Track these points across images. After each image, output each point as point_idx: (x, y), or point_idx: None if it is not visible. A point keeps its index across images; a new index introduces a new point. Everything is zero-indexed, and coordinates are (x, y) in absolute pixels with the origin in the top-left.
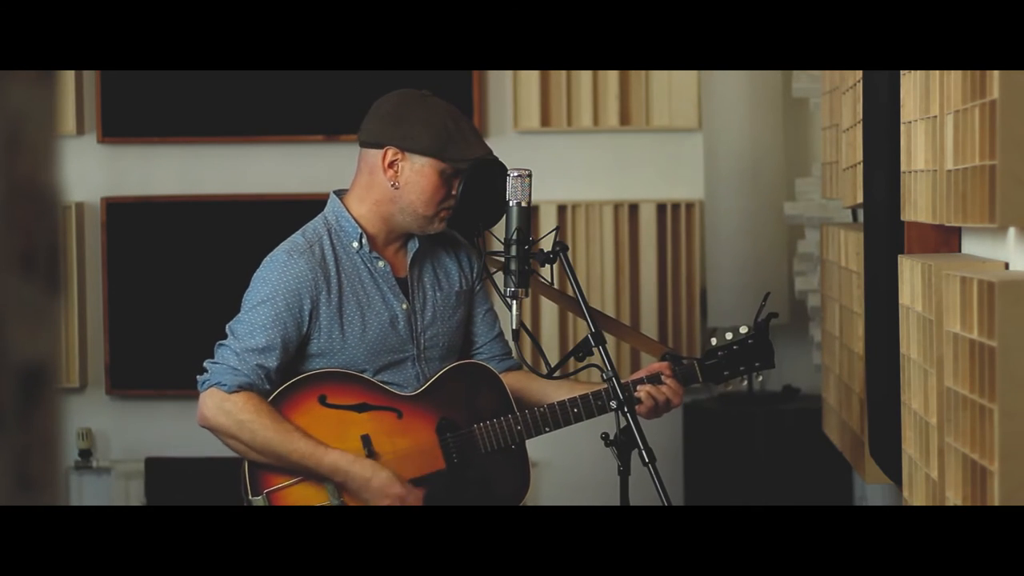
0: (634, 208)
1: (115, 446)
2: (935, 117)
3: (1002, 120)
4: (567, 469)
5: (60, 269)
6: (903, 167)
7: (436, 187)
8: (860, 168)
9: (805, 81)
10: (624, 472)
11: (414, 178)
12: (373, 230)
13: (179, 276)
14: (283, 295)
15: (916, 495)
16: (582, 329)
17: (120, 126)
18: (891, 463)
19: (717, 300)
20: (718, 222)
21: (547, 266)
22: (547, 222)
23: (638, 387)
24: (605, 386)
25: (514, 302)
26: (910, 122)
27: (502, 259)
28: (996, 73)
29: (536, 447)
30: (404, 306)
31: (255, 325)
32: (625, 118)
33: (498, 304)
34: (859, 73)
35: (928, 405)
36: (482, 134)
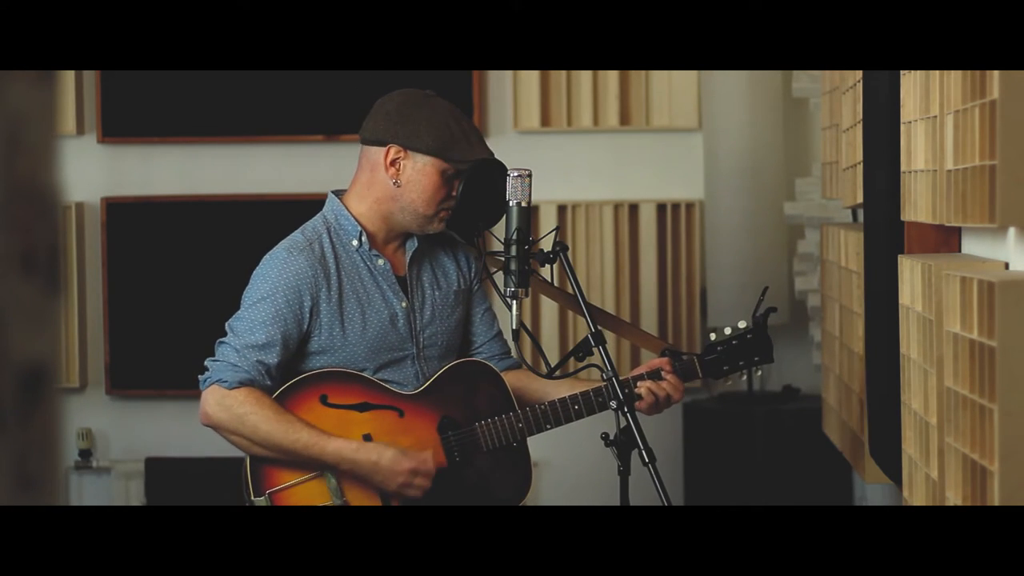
0: (634, 208)
1: (115, 446)
2: (935, 117)
3: (1002, 120)
4: (567, 469)
5: (60, 269)
6: (903, 167)
7: (437, 187)
8: (860, 168)
9: (805, 81)
10: (624, 472)
11: (416, 177)
12: (372, 228)
13: (179, 276)
14: (283, 292)
15: (916, 495)
16: (582, 329)
17: (120, 126)
18: (891, 463)
19: (717, 300)
20: (718, 222)
21: (547, 266)
22: (547, 222)
23: (639, 383)
24: (606, 383)
25: (514, 302)
26: (910, 122)
27: (502, 259)
28: (996, 73)
29: (536, 447)
30: (404, 304)
31: (255, 322)
32: (625, 118)
33: (498, 304)
34: (859, 73)
35: (928, 405)
36: (482, 134)
